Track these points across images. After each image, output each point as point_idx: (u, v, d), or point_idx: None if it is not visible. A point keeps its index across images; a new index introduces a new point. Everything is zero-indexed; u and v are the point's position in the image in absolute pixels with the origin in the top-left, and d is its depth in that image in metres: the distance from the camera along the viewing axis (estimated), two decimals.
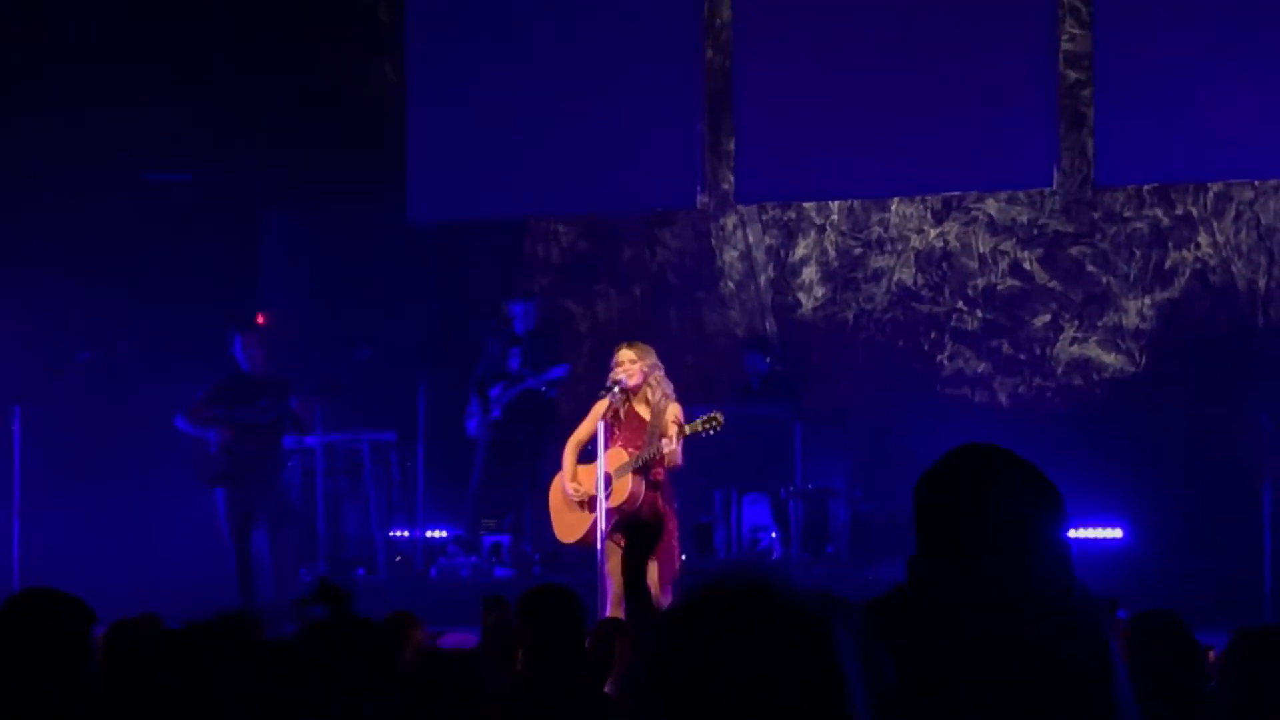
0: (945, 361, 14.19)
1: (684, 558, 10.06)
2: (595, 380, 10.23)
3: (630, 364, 9.54)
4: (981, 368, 14.11)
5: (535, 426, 13.44)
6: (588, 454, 9.73)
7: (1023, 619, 3.09)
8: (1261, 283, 13.50)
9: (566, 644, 5.73)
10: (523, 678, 5.72)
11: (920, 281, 14.27)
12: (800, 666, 1.97)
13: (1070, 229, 13.94)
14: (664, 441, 9.37)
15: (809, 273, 14.56)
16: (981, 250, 14.13)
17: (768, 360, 13.81)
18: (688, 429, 9.39)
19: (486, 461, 13.74)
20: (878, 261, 14.39)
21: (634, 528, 8.04)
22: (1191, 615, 4.88)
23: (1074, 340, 13.92)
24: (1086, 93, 13.51)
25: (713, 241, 14.81)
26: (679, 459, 9.48)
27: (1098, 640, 3.12)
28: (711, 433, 9.45)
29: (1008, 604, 3.08)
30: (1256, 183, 13.49)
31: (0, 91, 13.61)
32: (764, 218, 14.67)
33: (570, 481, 9.73)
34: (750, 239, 14.69)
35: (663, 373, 9.60)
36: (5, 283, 13.46)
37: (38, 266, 13.42)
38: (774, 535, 13.43)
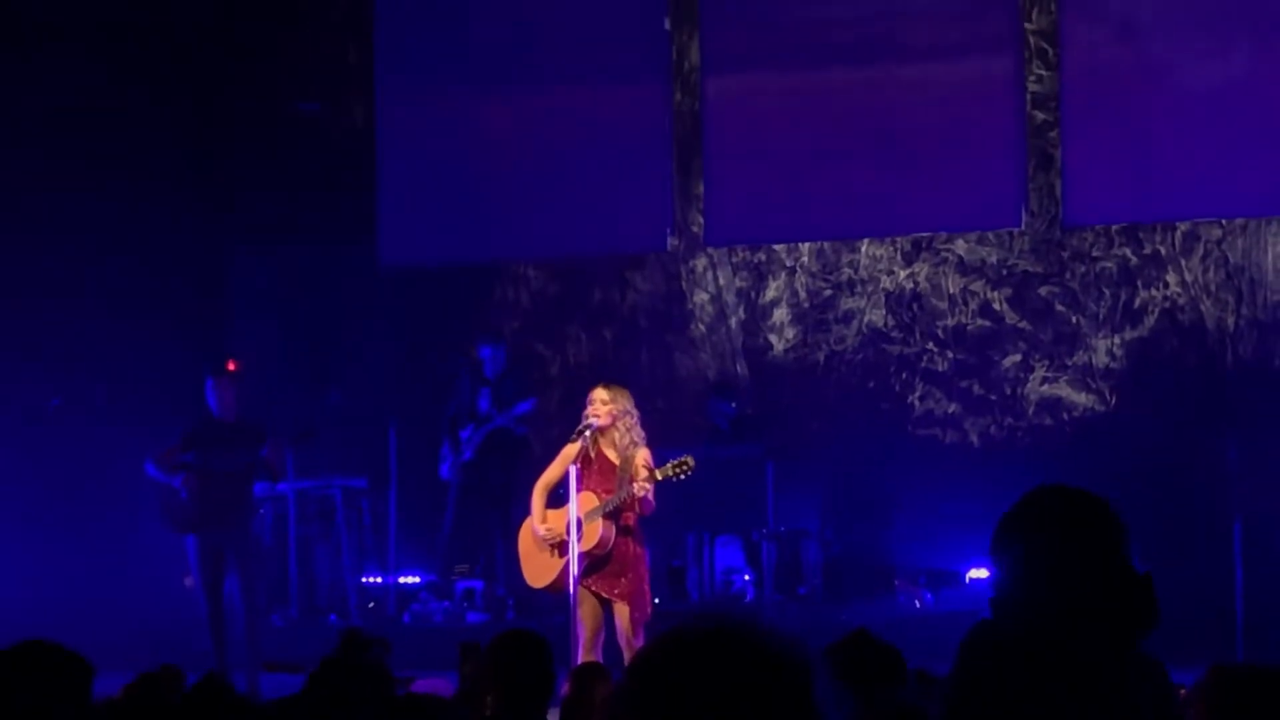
0: (916, 402, 14.20)
1: (657, 601, 10.02)
2: (566, 422, 10.20)
3: (601, 405, 9.53)
4: (952, 408, 14.12)
5: (507, 466, 13.40)
6: (558, 499, 9.70)
7: (1110, 655, 3.09)
8: (1230, 321, 13.55)
9: (535, 689, 5.72)
10: None
11: (890, 322, 14.29)
12: (779, 711, 1.96)
13: (1039, 269, 13.97)
14: (636, 486, 9.35)
15: (779, 314, 14.57)
16: (951, 291, 14.16)
17: (733, 405, 13.80)
18: (659, 474, 9.38)
19: (459, 505, 13.69)
20: (848, 303, 14.41)
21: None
22: (1163, 653, 4.86)
23: (1044, 380, 13.94)
24: (1054, 134, 13.57)
25: (683, 284, 14.82)
26: (652, 504, 9.46)
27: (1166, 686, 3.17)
28: (682, 477, 9.43)
29: (1095, 639, 3.08)
30: (1224, 221, 13.55)
31: None
32: (734, 260, 14.68)
33: (541, 524, 9.69)
34: (721, 281, 14.70)
35: (635, 419, 9.56)
36: None
37: (5, 311, 13.35)
38: (747, 578, 13.41)
